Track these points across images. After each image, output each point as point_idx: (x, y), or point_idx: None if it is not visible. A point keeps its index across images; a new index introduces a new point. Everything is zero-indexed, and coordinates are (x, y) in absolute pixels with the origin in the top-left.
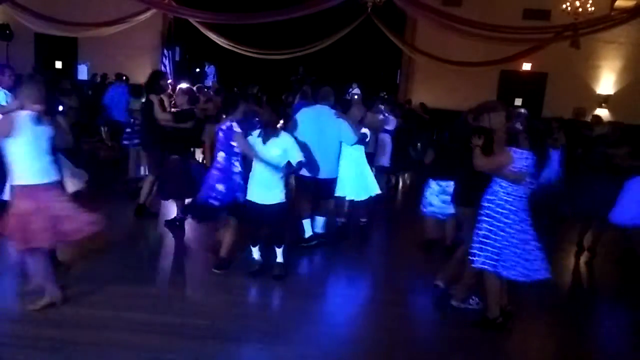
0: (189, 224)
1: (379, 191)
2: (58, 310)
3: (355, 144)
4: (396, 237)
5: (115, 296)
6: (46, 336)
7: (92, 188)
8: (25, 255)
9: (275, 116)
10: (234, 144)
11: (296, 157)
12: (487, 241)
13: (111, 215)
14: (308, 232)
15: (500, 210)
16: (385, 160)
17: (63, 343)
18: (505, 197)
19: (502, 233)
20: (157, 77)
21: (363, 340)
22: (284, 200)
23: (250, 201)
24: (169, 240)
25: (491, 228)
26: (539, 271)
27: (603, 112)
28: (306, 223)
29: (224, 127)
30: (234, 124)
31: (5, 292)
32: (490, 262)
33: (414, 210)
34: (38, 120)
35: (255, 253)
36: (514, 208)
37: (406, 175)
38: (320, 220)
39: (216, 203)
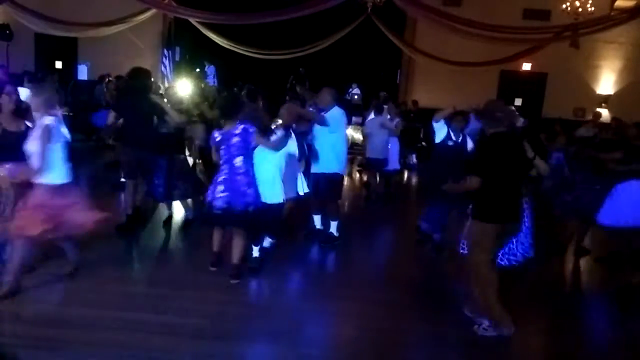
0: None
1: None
2: (58, 310)
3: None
4: (395, 238)
5: (115, 296)
6: (46, 336)
7: (93, 188)
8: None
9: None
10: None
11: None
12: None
13: (110, 216)
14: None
15: None
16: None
17: (63, 343)
18: None
19: None
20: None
21: (362, 340)
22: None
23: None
24: (169, 240)
25: None
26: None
27: (603, 112)
28: (316, 218)
29: (237, 130)
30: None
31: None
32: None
33: (414, 212)
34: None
35: (255, 252)
36: None
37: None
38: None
39: (251, 208)
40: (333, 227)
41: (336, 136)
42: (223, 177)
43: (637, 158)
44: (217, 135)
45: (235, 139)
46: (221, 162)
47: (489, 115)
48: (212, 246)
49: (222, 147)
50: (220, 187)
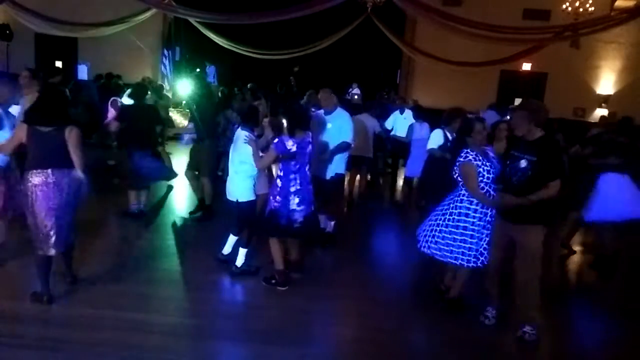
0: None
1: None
2: (58, 310)
3: None
4: (396, 238)
5: (115, 296)
6: (46, 336)
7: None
8: None
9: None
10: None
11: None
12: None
13: (111, 216)
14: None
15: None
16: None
17: (63, 343)
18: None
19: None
20: None
21: (362, 340)
22: (252, 199)
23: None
24: (169, 240)
25: None
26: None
27: (603, 112)
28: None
29: (309, 139)
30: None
31: (6, 291)
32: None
33: (412, 213)
34: None
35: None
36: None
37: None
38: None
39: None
40: (331, 226)
41: (341, 137)
42: (296, 187)
43: (612, 152)
44: (292, 145)
45: (309, 148)
46: (290, 171)
47: None
48: (281, 260)
49: (296, 156)
50: (296, 200)
